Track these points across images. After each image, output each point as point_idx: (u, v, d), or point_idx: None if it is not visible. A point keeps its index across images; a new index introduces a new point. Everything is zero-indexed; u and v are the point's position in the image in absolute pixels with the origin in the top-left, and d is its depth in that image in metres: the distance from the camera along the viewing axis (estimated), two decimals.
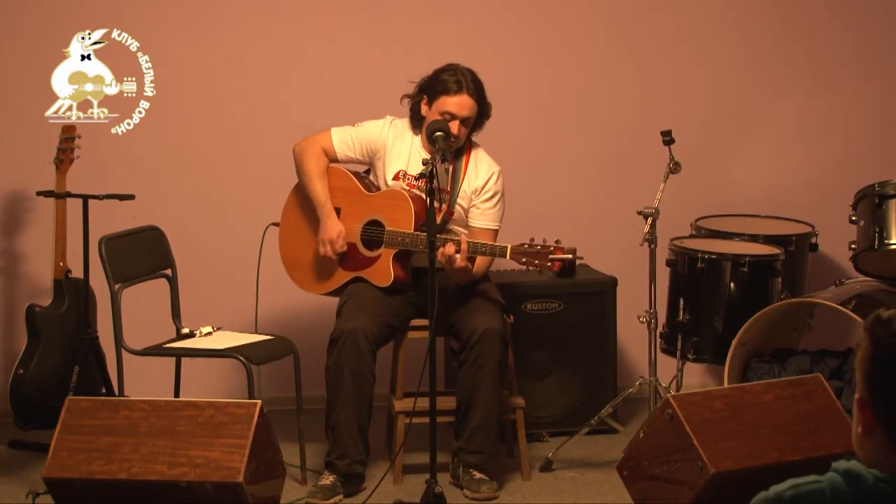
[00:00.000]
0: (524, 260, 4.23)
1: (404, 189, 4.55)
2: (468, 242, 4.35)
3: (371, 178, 4.69)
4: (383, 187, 4.61)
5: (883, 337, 1.79)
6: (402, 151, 4.59)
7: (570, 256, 4.18)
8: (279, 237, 4.78)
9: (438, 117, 4.46)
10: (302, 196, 4.71)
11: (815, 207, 5.50)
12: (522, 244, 4.23)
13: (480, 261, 4.47)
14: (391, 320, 4.54)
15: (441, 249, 4.24)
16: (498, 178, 4.61)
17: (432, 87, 4.52)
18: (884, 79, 5.80)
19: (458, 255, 4.31)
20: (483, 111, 4.56)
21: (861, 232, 4.85)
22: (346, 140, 4.64)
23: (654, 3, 5.67)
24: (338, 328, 4.43)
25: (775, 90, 5.75)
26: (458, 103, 4.49)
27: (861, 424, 1.82)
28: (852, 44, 5.78)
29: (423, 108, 4.55)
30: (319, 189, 4.60)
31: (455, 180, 4.58)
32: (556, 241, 4.22)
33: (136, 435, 3.57)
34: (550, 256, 4.19)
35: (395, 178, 4.58)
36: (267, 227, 4.79)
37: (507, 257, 4.27)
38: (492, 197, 4.60)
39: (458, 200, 4.59)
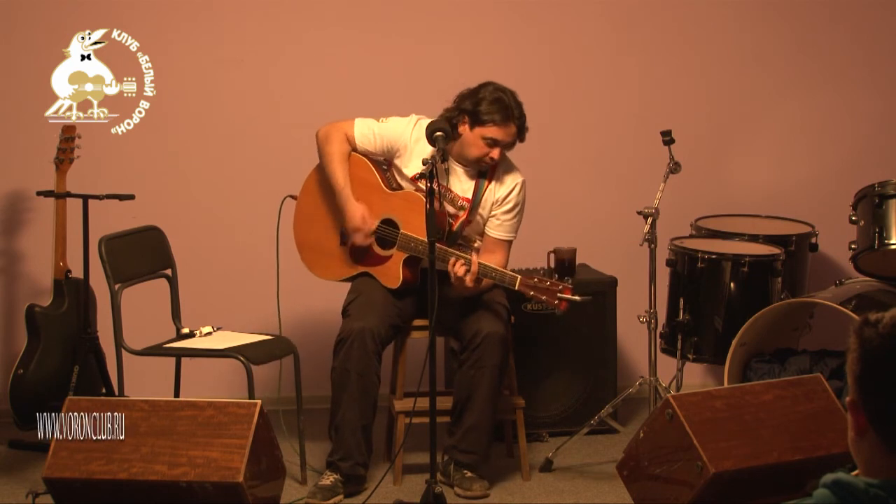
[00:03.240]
0: (532, 294, 4.22)
1: (423, 193, 4.51)
2: (479, 264, 4.33)
3: (391, 171, 4.66)
4: (404, 185, 4.60)
5: (871, 338, 1.77)
6: (424, 153, 4.48)
7: (577, 298, 4.17)
8: (295, 214, 4.73)
9: (480, 141, 4.45)
10: (323, 177, 4.66)
11: (815, 207, 5.50)
12: (533, 277, 4.22)
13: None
14: (396, 321, 4.53)
15: (450, 266, 4.25)
16: (521, 189, 4.58)
17: (478, 114, 4.45)
18: (884, 79, 5.80)
19: (467, 277, 4.30)
20: (522, 132, 4.53)
21: (861, 232, 4.85)
22: (367, 134, 4.60)
23: (654, 3, 5.67)
24: (345, 328, 4.42)
25: (776, 90, 5.75)
26: (506, 132, 4.47)
27: (854, 427, 1.81)
28: (852, 44, 5.78)
29: (462, 127, 4.49)
30: (340, 173, 4.57)
31: (478, 190, 4.56)
32: (567, 281, 4.21)
33: (136, 435, 3.57)
34: (559, 295, 4.18)
35: (413, 179, 4.56)
36: (284, 199, 4.70)
37: (516, 288, 4.27)
38: (512, 208, 4.57)
39: (479, 210, 4.56)
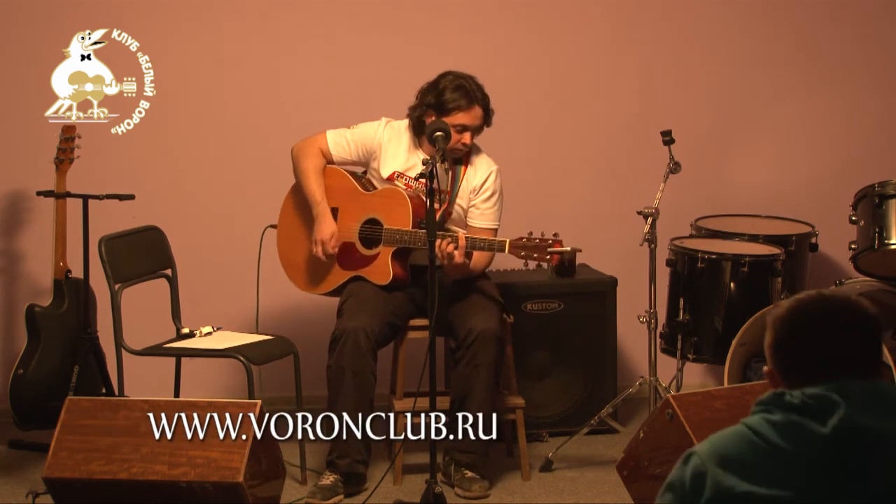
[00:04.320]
0: (523, 254, 4.23)
1: (401, 188, 4.55)
2: (466, 238, 4.35)
3: (367, 178, 4.70)
4: (379, 188, 4.62)
5: (778, 311, 2.07)
6: (398, 153, 4.60)
7: (568, 249, 4.19)
8: (277, 238, 4.79)
9: (450, 130, 4.46)
10: (299, 197, 4.71)
11: (815, 207, 5.50)
12: (521, 238, 4.23)
13: (478, 257, 4.48)
14: (392, 319, 4.54)
15: (438, 245, 4.24)
16: (496, 177, 4.61)
17: (442, 104, 4.50)
18: (884, 79, 5.80)
19: (456, 252, 4.31)
20: (488, 115, 4.58)
21: (861, 232, 4.85)
22: (341, 142, 4.64)
23: (654, 3, 5.67)
24: (339, 327, 4.43)
25: (775, 90, 5.75)
26: (472, 116, 4.52)
27: None
28: (852, 44, 5.78)
29: (430, 120, 4.50)
30: (315, 188, 4.60)
31: (455, 180, 4.58)
32: (555, 235, 4.23)
33: (136, 435, 3.57)
34: (549, 250, 4.19)
35: (390, 178, 4.58)
36: (265, 230, 4.79)
37: (506, 251, 4.28)
38: (490, 196, 4.60)
39: (458, 200, 4.59)
